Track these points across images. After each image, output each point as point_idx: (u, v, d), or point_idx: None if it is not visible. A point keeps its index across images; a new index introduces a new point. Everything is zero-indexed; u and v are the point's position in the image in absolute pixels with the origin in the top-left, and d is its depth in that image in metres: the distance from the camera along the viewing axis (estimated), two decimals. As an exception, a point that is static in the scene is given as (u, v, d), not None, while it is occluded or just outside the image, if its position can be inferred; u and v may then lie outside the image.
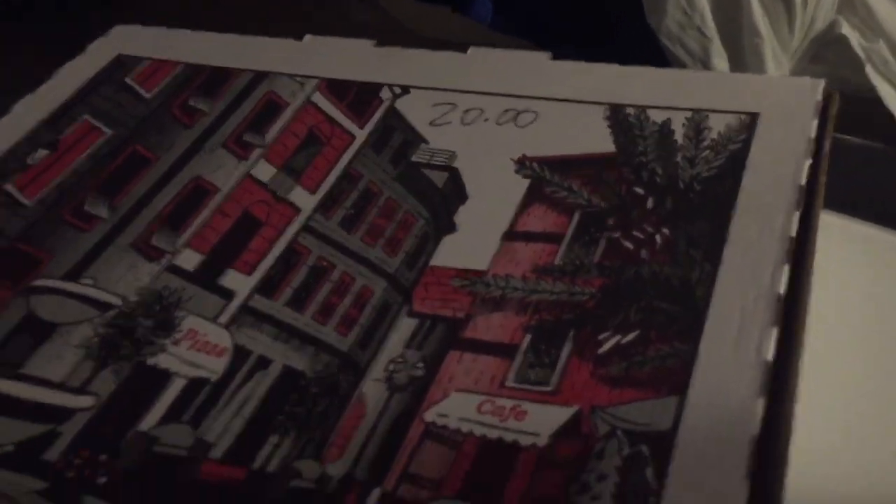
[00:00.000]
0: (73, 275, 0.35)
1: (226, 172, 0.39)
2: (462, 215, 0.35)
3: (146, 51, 0.46)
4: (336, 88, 0.42)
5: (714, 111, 0.36)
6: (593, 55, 0.40)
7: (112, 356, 0.32)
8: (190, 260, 0.35)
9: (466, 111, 0.39)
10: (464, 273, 0.33)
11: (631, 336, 0.29)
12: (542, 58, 0.41)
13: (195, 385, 0.31)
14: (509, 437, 0.27)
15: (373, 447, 0.28)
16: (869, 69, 0.76)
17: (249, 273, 0.34)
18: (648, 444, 0.26)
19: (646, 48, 0.77)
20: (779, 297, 0.29)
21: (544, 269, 0.32)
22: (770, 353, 0.27)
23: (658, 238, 0.32)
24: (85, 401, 0.30)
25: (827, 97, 0.36)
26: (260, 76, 0.43)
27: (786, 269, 0.29)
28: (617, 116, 0.37)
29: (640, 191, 0.34)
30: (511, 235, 0.34)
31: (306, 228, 0.36)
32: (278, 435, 0.29)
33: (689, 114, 0.36)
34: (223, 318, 0.33)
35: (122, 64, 0.45)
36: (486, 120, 0.39)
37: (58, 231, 0.37)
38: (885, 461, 0.34)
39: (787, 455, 0.25)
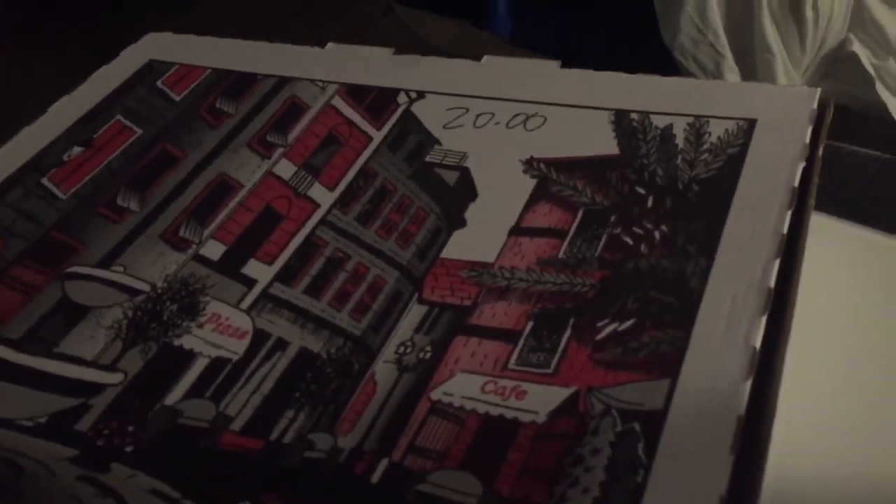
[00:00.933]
0: (106, 262, 0.37)
1: (249, 170, 0.41)
2: (472, 211, 0.37)
3: (176, 56, 0.48)
4: (355, 93, 0.44)
5: (714, 117, 0.38)
6: (610, 70, 0.42)
7: (140, 337, 0.34)
8: (214, 250, 0.37)
9: (478, 115, 0.41)
10: (472, 265, 0.35)
11: (627, 324, 0.31)
12: (551, 66, 0.43)
13: (217, 364, 0.32)
14: (510, 414, 0.29)
15: (382, 422, 0.29)
16: (879, 86, 0.77)
17: (270, 263, 0.36)
18: (640, 421, 0.27)
19: (664, 65, 0.79)
20: (769, 290, 0.30)
21: (548, 261, 0.34)
22: (758, 340, 0.29)
23: (657, 234, 0.34)
24: (115, 377, 0.32)
25: (822, 105, 0.37)
26: (283, 81, 0.45)
27: (776, 263, 0.31)
28: (621, 121, 0.39)
29: (641, 190, 0.36)
30: (517, 231, 0.36)
31: (324, 222, 0.38)
32: (294, 410, 0.30)
33: (690, 119, 0.38)
34: (245, 304, 0.35)
35: (153, 68, 0.48)
36: (496, 123, 0.40)
37: (92, 222, 0.39)
38: (864, 437, 0.35)
39: (769, 434, 0.26)
